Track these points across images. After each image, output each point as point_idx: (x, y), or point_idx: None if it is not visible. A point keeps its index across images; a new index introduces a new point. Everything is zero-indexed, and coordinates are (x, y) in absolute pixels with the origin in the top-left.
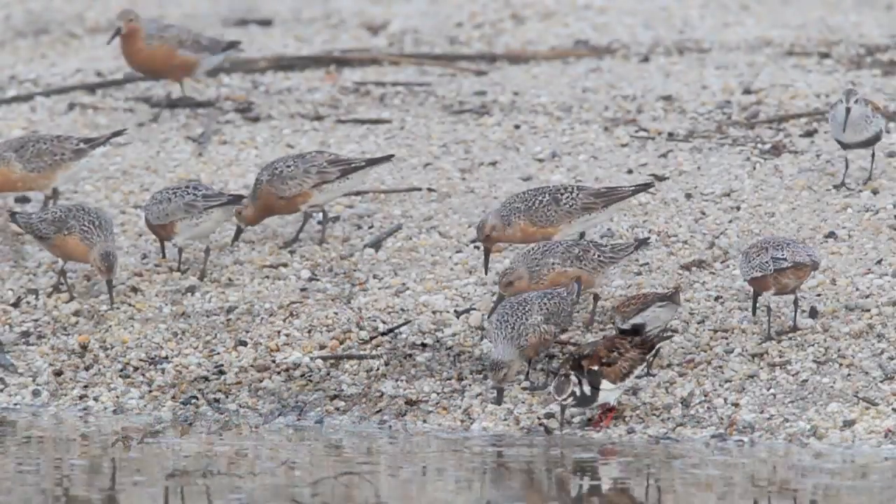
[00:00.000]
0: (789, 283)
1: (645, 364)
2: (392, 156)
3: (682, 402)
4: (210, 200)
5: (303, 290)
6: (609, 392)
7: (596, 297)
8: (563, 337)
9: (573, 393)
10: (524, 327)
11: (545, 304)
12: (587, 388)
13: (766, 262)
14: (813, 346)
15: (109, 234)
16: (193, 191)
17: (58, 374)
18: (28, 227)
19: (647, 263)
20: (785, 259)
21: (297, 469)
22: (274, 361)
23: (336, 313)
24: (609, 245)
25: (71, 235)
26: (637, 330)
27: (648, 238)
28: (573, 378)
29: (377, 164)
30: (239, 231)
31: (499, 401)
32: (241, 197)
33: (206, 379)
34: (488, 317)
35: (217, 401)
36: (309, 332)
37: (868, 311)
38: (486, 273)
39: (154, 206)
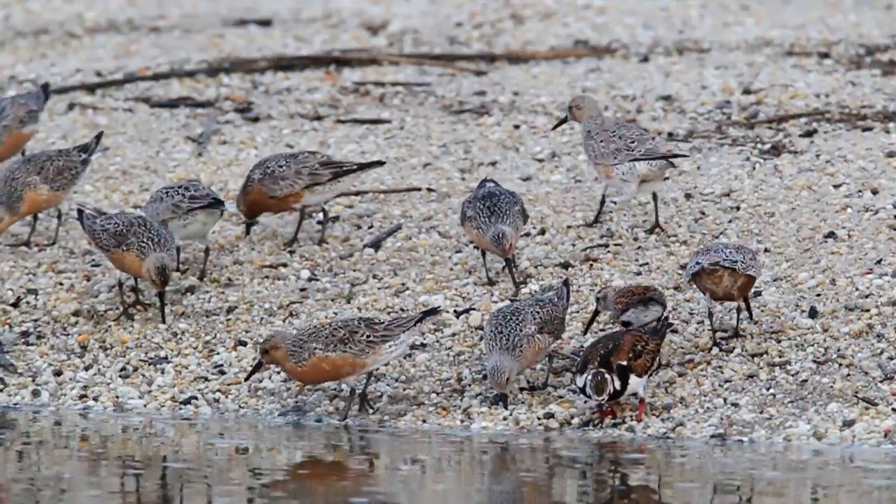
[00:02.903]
0: (716, 287)
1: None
2: (383, 161)
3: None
4: (194, 202)
5: (302, 290)
6: (635, 385)
7: None
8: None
9: (610, 391)
10: (518, 338)
11: (538, 312)
12: (618, 384)
13: (695, 265)
14: (813, 346)
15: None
16: (184, 191)
17: (57, 374)
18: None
19: (647, 263)
20: (700, 263)
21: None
22: None
23: (336, 313)
24: (386, 321)
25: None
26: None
27: (438, 308)
28: (608, 376)
29: (368, 169)
30: (248, 226)
31: (505, 406)
32: (222, 202)
33: (206, 379)
34: None
35: (217, 401)
36: None
37: (868, 311)
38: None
39: (150, 204)
